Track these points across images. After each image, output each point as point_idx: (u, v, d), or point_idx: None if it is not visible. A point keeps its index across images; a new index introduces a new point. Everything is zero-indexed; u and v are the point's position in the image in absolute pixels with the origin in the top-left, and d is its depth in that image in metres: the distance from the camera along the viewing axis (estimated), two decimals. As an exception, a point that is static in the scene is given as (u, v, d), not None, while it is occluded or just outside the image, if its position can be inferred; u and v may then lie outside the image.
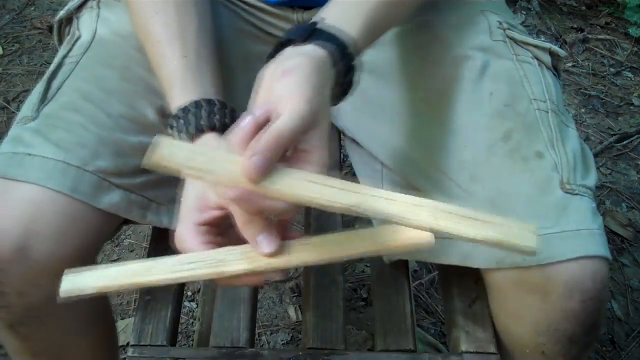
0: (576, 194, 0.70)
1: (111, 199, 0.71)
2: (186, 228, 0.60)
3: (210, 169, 0.53)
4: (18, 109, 1.85)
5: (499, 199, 0.71)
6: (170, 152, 0.53)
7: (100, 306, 0.86)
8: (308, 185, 0.54)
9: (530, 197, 0.70)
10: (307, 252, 0.57)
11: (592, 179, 0.73)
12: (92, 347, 0.83)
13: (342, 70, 0.63)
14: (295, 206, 0.54)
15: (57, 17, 0.89)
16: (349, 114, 0.92)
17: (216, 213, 0.60)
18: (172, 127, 0.67)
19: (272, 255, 0.55)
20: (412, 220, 0.53)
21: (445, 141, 0.77)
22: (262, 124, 0.54)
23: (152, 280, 0.56)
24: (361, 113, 0.89)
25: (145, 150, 0.73)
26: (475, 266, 0.72)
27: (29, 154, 0.69)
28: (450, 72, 0.80)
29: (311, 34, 0.63)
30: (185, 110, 0.66)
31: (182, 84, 0.68)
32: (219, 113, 0.66)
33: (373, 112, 0.86)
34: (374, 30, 0.67)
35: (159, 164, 0.53)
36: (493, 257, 0.70)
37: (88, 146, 0.71)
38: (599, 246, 0.67)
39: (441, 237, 0.54)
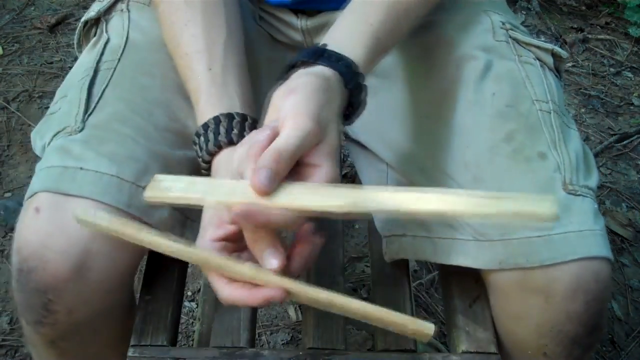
0: (579, 195, 0.70)
1: (161, 215, 0.71)
2: (203, 243, 0.60)
3: (211, 192, 0.56)
4: (18, 109, 1.85)
5: None
6: (170, 185, 0.57)
7: (131, 321, 0.86)
8: (313, 195, 0.55)
9: None
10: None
11: (594, 180, 0.73)
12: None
13: (353, 89, 0.65)
14: (301, 217, 0.55)
15: (84, 18, 0.87)
16: None
17: (232, 228, 0.60)
18: (195, 143, 0.68)
19: (277, 270, 0.55)
20: (422, 209, 0.53)
21: (448, 142, 0.77)
22: (270, 142, 0.56)
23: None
24: (365, 114, 0.89)
25: (188, 163, 0.74)
26: (478, 267, 0.72)
27: (82, 168, 0.67)
28: (453, 72, 0.80)
29: (320, 55, 0.65)
30: (205, 127, 0.67)
31: (207, 98, 0.69)
32: (238, 127, 0.66)
33: (377, 112, 0.86)
34: (379, 48, 0.69)
35: (159, 197, 0.56)
36: (495, 258, 0.70)
37: (140, 160, 0.70)
38: (601, 247, 0.67)
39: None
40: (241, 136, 0.66)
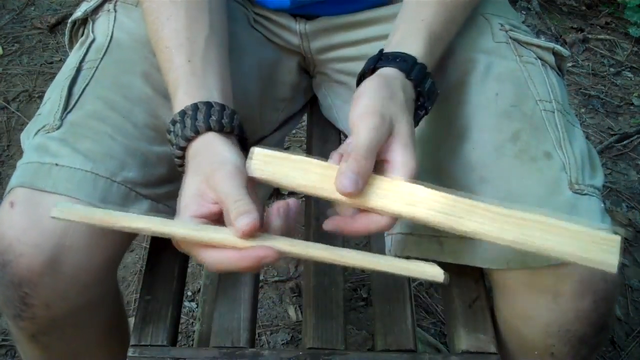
0: (585, 194, 0.70)
1: (139, 210, 0.71)
2: (183, 220, 0.60)
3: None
4: (18, 109, 1.85)
5: (508, 199, 0.71)
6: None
7: (118, 318, 0.86)
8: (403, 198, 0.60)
9: (540, 197, 0.69)
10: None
11: (599, 179, 0.73)
12: (109, 356, 0.83)
13: (417, 79, 0.68)
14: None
15: (72, 18, 0.88)
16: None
17: (213, 207, 0.60)
18: (169, 131, 0.67)
19: (250, 229, 0.56)
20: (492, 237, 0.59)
21: (453, 143, 0.76)
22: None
23: (140, 226, 0.58)
24: None
25: (169, 159, 0.73)
26: (485, 267, 0.72)
27: (57, 164, 0.68)
28: (454, 76, 0.80)
29: (379, 59, 0.70)
30: (182, 113, 0.66)
31: (186, 89, 0.68)
32: (216, 115, 0.66)
33: None
34: (436, 39, 0.73)
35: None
36: (503, 258, 0.70)
37: (116, 157, 0.71)
38: None
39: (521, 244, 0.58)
40: (219, 123, 0.65)
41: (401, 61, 0.68)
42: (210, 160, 0.62)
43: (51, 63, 2.01)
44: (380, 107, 0.62)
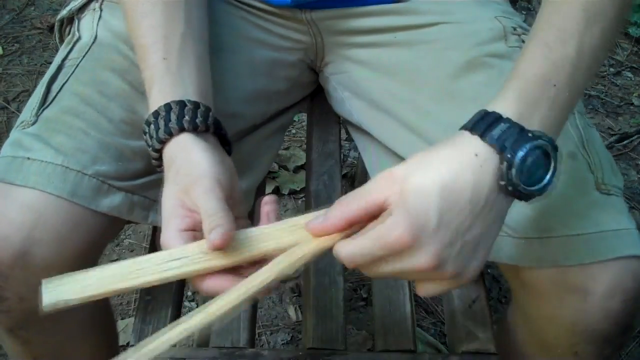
0: (611, 194, 0.70)
1: (112, 202, 0.71)
2: (170, 236, 0.59)
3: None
4: (18, 109, 1.85)
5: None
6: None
7: (101, 310, 0.86)
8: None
9: (568, 197, 0.69)
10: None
11: (620, 179, 0.73)
12: (93, 350, 0.83)
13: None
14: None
15: (58, 17, 0.89)
16: (363, 111, 0.92)
17: (197, 216, 0.59)
18: (145, 132, 0.66)
19: (220, 246, 0.55)
20: None
21: None
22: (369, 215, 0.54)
23: (136, 283, 0.56)
24: (378, 112, 0.89)
25: (146, 154, 0.73)
26: (515, 264, 0.71)
27: (29, 158, 0.68)
28: (468, 77, 0.79)
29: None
30: (155, 114, 0.65)
31: (160, 87, 0.67)
32: (189, 114, 0.64)
33: (389, 113, 0.86)
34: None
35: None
36: (533, 256, 0.69)
37: (89, 151, 0.71)
38: (637, 246, 0.67)
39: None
40: (192, 123, 0.64)
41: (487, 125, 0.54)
42: (187, 171, 0.62)
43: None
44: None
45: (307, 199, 0.94)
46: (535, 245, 0.69)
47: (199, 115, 0.65)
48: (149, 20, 0.70)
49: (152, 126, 0.65)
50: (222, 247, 0.55)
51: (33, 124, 0.73)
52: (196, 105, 0.65)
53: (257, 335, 1.37)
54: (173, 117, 0.64)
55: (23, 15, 2.19)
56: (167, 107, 0.65)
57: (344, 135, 1.02)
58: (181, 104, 0.65)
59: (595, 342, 0.69)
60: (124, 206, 0.72)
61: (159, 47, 0.69)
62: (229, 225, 0.56)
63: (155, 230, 0.89)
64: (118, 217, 0.72)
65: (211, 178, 0.61)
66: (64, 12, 0.88)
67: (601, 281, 0.66)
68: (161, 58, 0.68)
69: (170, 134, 0.64)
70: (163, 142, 0.65)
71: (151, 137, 0.65)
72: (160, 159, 0.66)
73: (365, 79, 0.90)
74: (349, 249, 0.54)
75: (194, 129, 0.64)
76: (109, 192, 0.71)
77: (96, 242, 0.72)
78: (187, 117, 0.64)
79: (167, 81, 0.67)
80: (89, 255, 0.71)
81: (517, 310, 0.79)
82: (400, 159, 0.85)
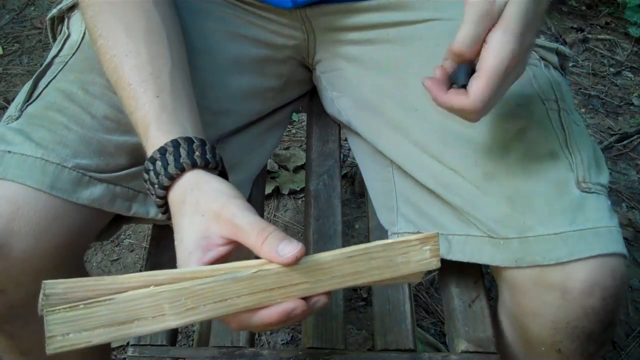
0: (592, 192, 0.70)
1: (92, 194, 0.70)
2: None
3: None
4: (18, 108, 1.86)
5: (516, 197, 0.71)
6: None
7: None
8: None
9: (547, 196, 0.70)
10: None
11: (605, 177, 0.73)
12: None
13: None
14: None
15: (49, 16, 0.90)
16: (351, 110, 0.92)
17: (223, 250, 0.58)
18: (148, 171, 0.64)
19: (295, 261, 0.53)
20: None
21: (457, 139, 0.77)
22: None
23: (156, 328, 0.53)
24: (365, 111, 0.89)
25: (128, 149, 0.73)
26: (495, 264, 0.72)
27: (9, 152, 0.69)
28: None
29: None
30: (162, 150, 0.63)
31: (157, 125, 0.65)
32: (199, 150, 0.63)
33: (382, 111, 0.86)
34: None
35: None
36: (512, 256, 0.70)
37: (69, 145, 0.71)
38: (617, 243, 0.68)
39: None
40: (204, 159, 0.62)
41: None
42: (212, 198, 0.59)
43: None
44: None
45: (307, 199, 0.94)
46: (513, 244, 0.70)
47: (207, 152, 0.63)
48: (133, 59, 0.68)
49: (159, 163, 0.62)
50: (297, 261, 0.54)
51: (17, 118, 0.73)
52: (203, 142, 0.64)
53: (256, 335, 1.37)
54: (183, 152, 0.62)
55: (23, 15, 2.19)
56: (175, 142, 0.63)
57: (343, 135, 1.02)
58: (189, 140, 0.63)
59: (577, 339, 0.70)
60: (104, 198, 0.72)
61: (149, 86, 0.67)
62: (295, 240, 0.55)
63: (155, 231, 0.89)
64: (102, 211, 0.72)
65: (242, 199, 0.59)
66: (54, 11, 0.89)
67: (579, 279, 0.67)
68: (154, 96, 0.66)
69: (182, 170, 0.62)
70: (173, 178, 0.62)
71: (157, 173, 0.63)
72: (164, 197, 0.64)
73: (355, 75, 0.91)
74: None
75: (206, 165, 0.63)
76: (90, 184, 0.71)
77: (78, 237, 0.72)
78: (197, 153, 0.62)
79: (164, 119, 0.65)
80: (70, 250, 0.71)
81: (502, 307, 0.79)
82: (386, 158, 0.86)
